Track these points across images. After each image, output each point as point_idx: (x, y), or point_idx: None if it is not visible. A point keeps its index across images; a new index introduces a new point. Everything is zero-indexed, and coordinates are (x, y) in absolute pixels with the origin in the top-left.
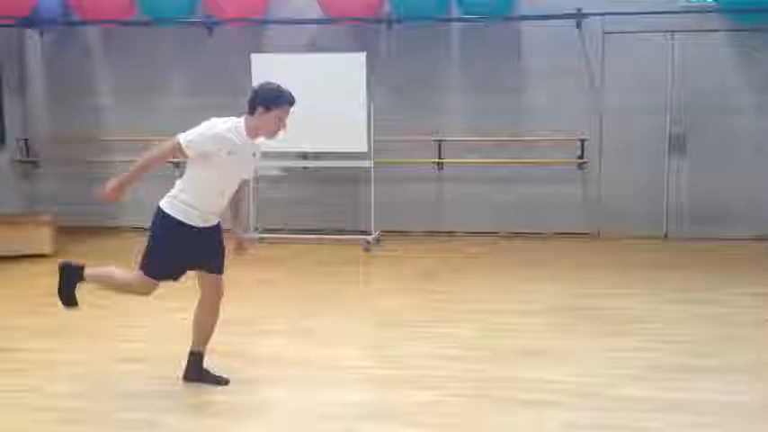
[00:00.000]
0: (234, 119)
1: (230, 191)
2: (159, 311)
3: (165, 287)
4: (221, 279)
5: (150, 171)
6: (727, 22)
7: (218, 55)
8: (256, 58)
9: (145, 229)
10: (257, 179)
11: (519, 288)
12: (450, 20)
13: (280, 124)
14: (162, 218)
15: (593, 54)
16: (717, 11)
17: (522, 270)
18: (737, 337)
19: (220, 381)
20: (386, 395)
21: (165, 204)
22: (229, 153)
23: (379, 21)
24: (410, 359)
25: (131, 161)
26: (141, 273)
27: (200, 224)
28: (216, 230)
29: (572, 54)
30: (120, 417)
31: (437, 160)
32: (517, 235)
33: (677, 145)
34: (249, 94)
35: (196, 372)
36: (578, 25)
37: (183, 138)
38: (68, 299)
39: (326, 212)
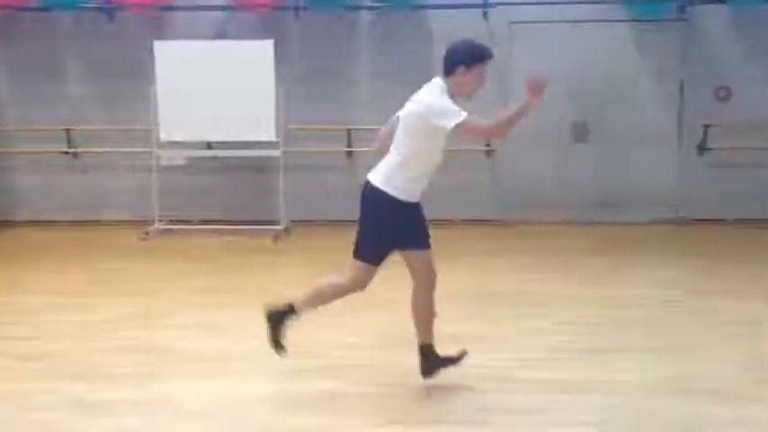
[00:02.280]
0: (435, 82)
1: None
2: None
3: None
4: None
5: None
6: (627, 12)
7: (119, 42)
8: (159, 46)
9: (40, 222)
10: (159, 168)
11: None
12: (358, 8)
13: (481, 80)
14: (386, 200)
15: (499, 44)
16: (618, 2)
17: (435, 258)
18: (643, 318)
19: (460, 357)
20: (297, 386)
21: (385, 186)
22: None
23: (286, 8)
24: (321, 349)
25: (29, 152)
26: (359, 262)
27: (419, 198)
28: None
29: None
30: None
31: (347, 149)
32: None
33: (581, 133)
34: (445, 53)
35: (437, 363)
36: (485, 15)
37: (461, 119)
38: (277, 343)
39: (235, 203)
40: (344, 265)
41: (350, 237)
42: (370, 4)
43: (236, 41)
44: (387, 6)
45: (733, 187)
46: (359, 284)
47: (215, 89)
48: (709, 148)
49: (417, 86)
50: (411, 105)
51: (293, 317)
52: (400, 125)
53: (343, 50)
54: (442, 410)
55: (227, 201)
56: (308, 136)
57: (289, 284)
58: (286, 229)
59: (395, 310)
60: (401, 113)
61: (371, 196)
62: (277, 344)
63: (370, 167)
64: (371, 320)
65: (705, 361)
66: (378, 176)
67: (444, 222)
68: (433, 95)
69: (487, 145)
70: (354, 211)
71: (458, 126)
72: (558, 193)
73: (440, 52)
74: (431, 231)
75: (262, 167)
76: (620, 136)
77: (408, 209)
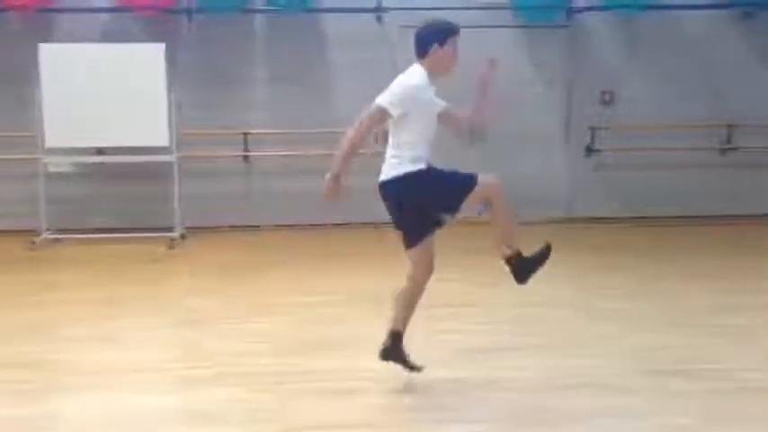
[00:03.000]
0: (413, 67)
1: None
2: None
3: None
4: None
5: (357, 151)
6: (516, 18)
7: (1, 45)
8: (45, 49)
9: None
10: (46, 175)
11: (328, 279)
12: (252, 10)
13: (456, 54)
14: (403, 181)
15: (392, 48)
16: (508, 8)
17: (331, 261)
18: (540, 316)
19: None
20: (194, 395)
21: (397, 170)
22: (432, 94)
23: (178, 10)
24: (217, 357)
25: None
26: (414, 249)
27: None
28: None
29: (374, 48)
30: None
31: (243, 153)
32: (328, 227)
33: (477, 137)
34: (415, 37)
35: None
36: (378, 19)
37: (383, 101)
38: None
39: (128, 210)
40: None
41: (248, 242)
42: (264, 7)
43: (125, 44)
44: (281, 9)
45: (619, 187)
46: (428, 269)
47: (104, 94)
48: (596, 150)
49: (313, 89)
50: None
51: (401, 340)
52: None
53: (237, 53)
54: (343, 414)
55: (120, 208)
56: (203, 141)
57: (184, 293)
58: (182, 237)
59: (289, 316)
60: None
61: (393, 189)
62: (412, 368)
63: (267, 172)
64: (266, 327)
65: (596, 356)
66: (386, 171)
67: (344, 225)
68: (399, 77)
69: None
70: (252, 218)
71: (376, 106)
72: None
73: (335, 55)
74: (331, 235)
75: (155, 173)
76: (510, 138)
77: (421, 174)
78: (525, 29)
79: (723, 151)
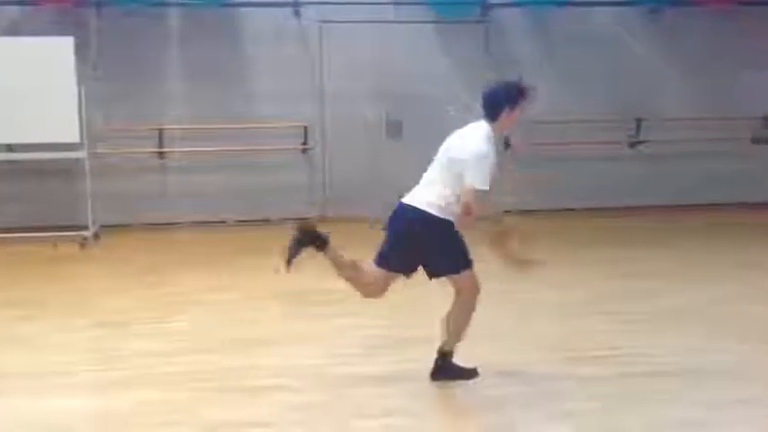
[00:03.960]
0: (483, 127)
1: None
2: None
3: None
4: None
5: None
6: (432, 14)
7: None
8: None
9: None
10: None
11: (247, 276)
12: (165, 4)
13: (518, 115)
14: (446, 225)
15: (312, 42)
16: (423, 3)
17: (250, 258)
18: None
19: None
20: (110, 397)
21: (438, 212)
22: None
23: (88, 4)
24: (137, 358)
25: None
26: (465, 272)
27: None
28: None
29: (292, 42)
30: None
31: (159, 150)
32: (243, 223)
33: (395, 129)
34: (487, 98)
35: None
36: (296, 13)
37: (479, 185)
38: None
39: (40, 208)
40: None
41: (165, 240)
42: (178, 0)
43: (32, 38)
44: (196, 3)
45: (538, 180)
46: (477, 288)
47: (12, 89)
48: (513, 144)
49: (231, 84)
50: (458, 150)
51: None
52: (448, 161)
53: (151, 48)
54: (260, 412)
55: (31, 207)
56: (117, 137)
57: (98, 293)
58: (95, 235)
59: (206, 315)
60: (443, 150)
61: (430, 223)
62: (472, 374)
63: (184, 169)
64: (182, 326)
65: (504, 344)
66: (431, 206)
67: (261, 222)
68: (481, 149)
69: (304, 143)
70: (170, 215)
71: (474, 192)
72: (374, 189)
73: (252, 49)
74: (249, 232)
75: (67, 170)
76: (431, 133)
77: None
78: (444, 24)
79: (632, 144)
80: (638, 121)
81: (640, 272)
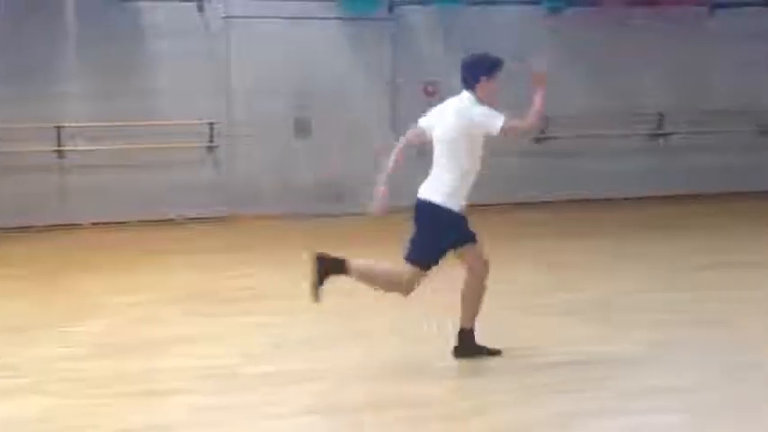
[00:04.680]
0: (466, 97)
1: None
2: None
3: None
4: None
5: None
6: (340, 11)
7: None
8: None
9: None
10: None
11: (152, 278)
12: None
13: (498, 86)
14: (448, 215)
15: (215, 38)
16: (332, 0)
17: (155, 258)
18: (360, 306)
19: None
20: (9, 406)
21: (443, 201)
22: None
23: None
24: (32, 364)
25: None
26: (415, 267)
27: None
28: None
29: (197, 38)
30: None
31: (57, 148)
32: (148, 223)
33: (303, 127)
34: (464, 68)
35: (470, 347)
36: (200, 8)
37: (501, 123)
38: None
39: None
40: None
41: (64, 241)
42: None
43: None
44: None
45: None
46: (411, 288)
47: None
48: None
49: (133, 80)
50: (447, 121)
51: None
52: (442, 144)
53: (49, 43)
54: (161, 416)
55: None
56: (12, 135)
57: None
58: None
59: (106, 318)
60: (435, 132)
61: (432, 212)
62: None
63: (84, 167)
64: (82, 330)
65: (415, 342)
66: (436, 195)
67: (167, 222)
68: (470, 107)
69: (209, 141)
70: (70, 216)
71: (502, 129)
72: (282, 187)
73: (155, 45)
74: (154, 232)
75: None
76: (340, 130)
77: (462, 214)
78: (349, 21)
79: (539, 140)
80: (546, 118)
81: (559, 263)
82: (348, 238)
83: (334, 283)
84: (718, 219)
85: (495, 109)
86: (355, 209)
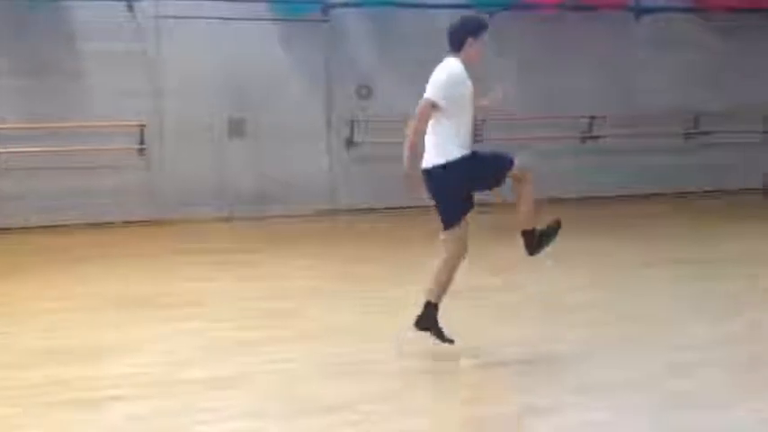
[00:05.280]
0: (450, 60)
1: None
2: None
3: None
4: None
5: (420, 142)
6: (273, 12)
7: None
8: None
9: None
10: None
11: (84, 283)
12: None
13: (484, 47)
14: (448, 167)
15: (146, 38)
16: (264, 1)
17: (87, 263)
18: (296, 308)
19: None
20: None
21: (438, 159)
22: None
23: None
24: None
25: None
26: (452, 230)
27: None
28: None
29: (126, 37)
30: None
31: None
32: (78, 227)
33: (237, 128)
34: (450, 31)
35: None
36: (130, 8)
37: (432, 95)
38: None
39: None
40: None
41: None
42: None
43: None
44: None
45: (380, 178)
46: (464, 247)
47: None
48: (356, 143)
49: (62, 81)
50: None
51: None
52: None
53: None
54: (92, 426)
55: None
56: None
57: None
58: None
59: (34, 324)
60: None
61: (436, 174)
62: (445, 339)
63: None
64: (7, 338)
65: (358, 342)
66: (431, 158)
67: (96, 226)
68: (437, 72)
69: (140, 143)
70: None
71: (421, 102)
72: (216, 189)
73: (85, 45)
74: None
75: None
76: (275, 132)
77: (466, 159)
78: (284, 23)
79: (475, 141)
80: (482, 121)
81: (500, 263)
82: (282, 239)
83: (272, 288)
84: (649, 219)
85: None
86: (290, 211)
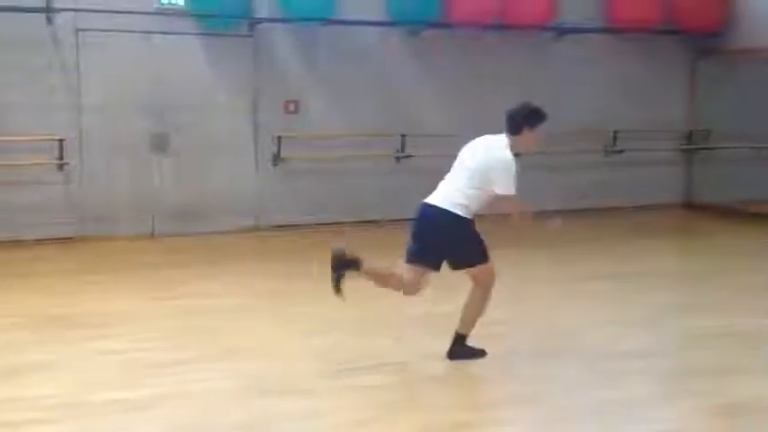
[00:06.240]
0: (504, 140)
1: None
2: None
3: None
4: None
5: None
6: (198, 26)
7: None
8: None
9: None
10: None
11: (1, 302)
12: None
13: (539, 139)
14: (466, 222)
15: (67, 52)
16: (189, 14)
17: (3, 282)
18: (208, 327)
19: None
20: None
21: (462, 212)
22: None
23: None
24: None
25: None
26: (487, 264)
27: None
28: None
29: (46, 50)
30: None
31: None
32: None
33: (160, 144)
34: (511, 114)
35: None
36: (49, 20)
37: (512, 191)
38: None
39: None
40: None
41: None
42: None
43: None
44: None
45: (306, 194)
46: (492, 279)
47: None
48: (283, 158)
49: None
50: (486, 155)
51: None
52: (471, 164)
53: None
54: None
55: None
56: None
57: None
58: None
59: None
60: (468, 157)
61: (454, 221)
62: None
63: None
64: None
65: (280, 360)
66: (455, 207)
67: (15, 243)
68: (507, 157)
69: (59, 158)
70: None
71: (506, 197)
72: (139, 206)
73: (1, 58)
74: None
75: None
76: (199, 147)
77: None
78: (210, 38)
79: (398, 159)
80: (403, 136)
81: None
82: (206, 257)
83: (195, 306)
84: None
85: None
86: (214, 228)
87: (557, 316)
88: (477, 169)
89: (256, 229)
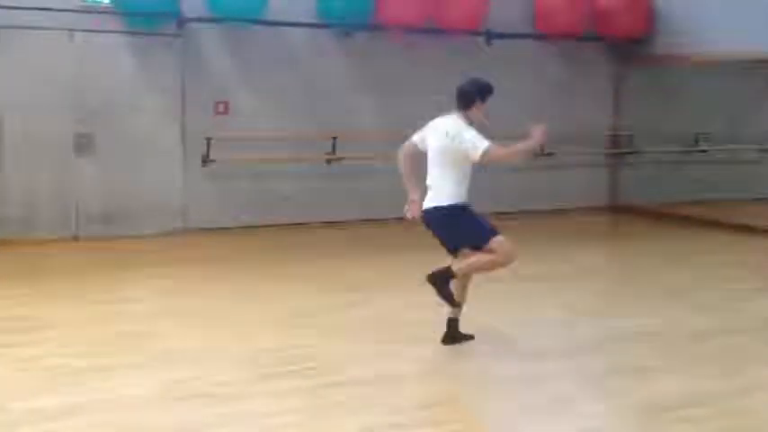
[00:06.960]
0: (455, 118)
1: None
2: None
3: None
4: None
5: None
6: (124, 24)
7: None
8: None
9: None
10: None
11: None
12: None
13: (487, 111)
14: (462, 209)
15: None
16: (114, 12)
17: None
18: (133, 332)
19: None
20: None
21: (455, 201)
22: None
23: None
24: None
25: None
26: (496, 239)
27: None
28: None
29: None
30: None
31: None
32: None
33: (84, 145)
34: (461, 90)
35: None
36: None
37: (484, 145)
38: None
39: None
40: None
41: None
42: None
43: None
44: None
45: (235, 196)
46: (510, 252)
47: None
48: (213, 160)
49: None
50: (443, 138)
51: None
52: (438, 156)
53: None
54: None
55: None
56: None
57: None
58: None
59: None
60: (430, 143)
61: (449, 213)
62: (454, 304)
63: None
64: None
65: (207, 365)
66: (443, 199)
67: None
68: (461, 129)
69: None
70: None
71: (484, 153)
72: (61, 208)
73: None
74: None
75: None
76: (126, 148)
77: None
78: (136, 36)
79: (329, 161)
80: (334, 138)
81: (338, 284)
82: (132, 260)
83: (121, 311)
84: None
85: (484, 130)
86: (141, 230)
87: (477, 317)
88: (448, 149)
89: (182, 231)
